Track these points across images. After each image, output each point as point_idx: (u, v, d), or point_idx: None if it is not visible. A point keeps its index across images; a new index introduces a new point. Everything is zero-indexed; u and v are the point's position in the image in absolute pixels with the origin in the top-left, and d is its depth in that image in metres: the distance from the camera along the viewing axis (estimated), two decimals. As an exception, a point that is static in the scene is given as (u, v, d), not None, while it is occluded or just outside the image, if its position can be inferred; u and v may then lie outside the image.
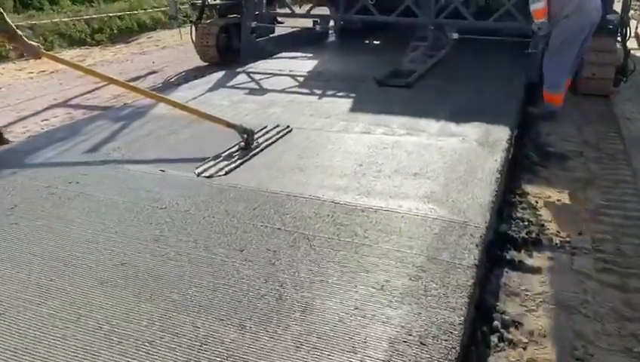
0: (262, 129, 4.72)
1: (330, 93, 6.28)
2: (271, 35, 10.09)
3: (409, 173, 3.84)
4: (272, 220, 3.14)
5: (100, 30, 12.88)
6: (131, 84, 5.17)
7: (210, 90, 6.44)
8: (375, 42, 10.34)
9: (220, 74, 7.41)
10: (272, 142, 4.44)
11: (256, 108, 5.54)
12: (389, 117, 5.18)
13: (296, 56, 8.85)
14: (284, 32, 10.26)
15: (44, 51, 4.28)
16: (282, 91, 6.39)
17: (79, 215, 3.23)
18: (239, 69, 7.73)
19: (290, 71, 7.62)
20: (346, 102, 5.79)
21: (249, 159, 4.07)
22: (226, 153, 4.17)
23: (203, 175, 3.76)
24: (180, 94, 6.15)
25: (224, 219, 3.15)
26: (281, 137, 4.59)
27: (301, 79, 7.13)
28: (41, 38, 11.24)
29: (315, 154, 4.20)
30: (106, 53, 11.75)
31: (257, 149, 4.26)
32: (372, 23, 9.07)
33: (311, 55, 8.94)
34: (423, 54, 7.68)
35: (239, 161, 4.02)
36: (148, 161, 4.07)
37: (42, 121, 6.08)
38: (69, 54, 11.02)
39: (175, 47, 11.82)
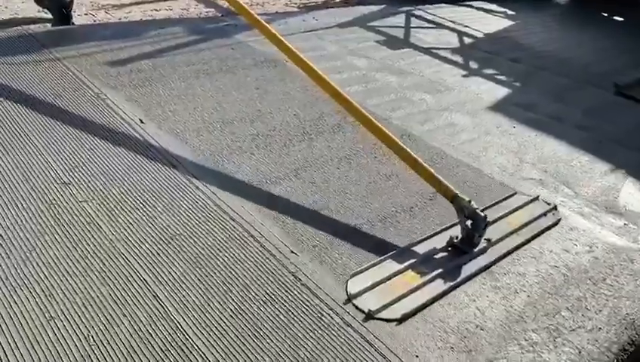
0: (501, 201, 2.58)
1: (476, 69, 4.44)
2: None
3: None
4: None
5: None
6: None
7: (340, 25, 5.05)
8: (617, 18, 7.63)
9: (372, 8, 5.92)
10: (519, 246, 2.30)
11: (359, 69, 4.05)
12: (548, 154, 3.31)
13: (494, 10, 6.85)
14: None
15: None
16: (424, 51, 4.74)
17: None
18: (404, 8, 6.14)
19: (465, 27, 5.80)
20: (484, 97, 3.95)
21: (459, 283, 2.04)
22: (415, 254, 2.13)
23: (357, 302, 1.85)
24: (293, 20, 4.90)
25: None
26: (535, 235, 2.39)
27: (468, 42, 5.31)
28: None
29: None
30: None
31: (484, 258, 2.17)
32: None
33: (513, 13, 6.86)
34: None
35: (441, 286, 1.99)
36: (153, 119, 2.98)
37: (152, 10, 5.38)
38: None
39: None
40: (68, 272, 1.79)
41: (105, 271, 1.82)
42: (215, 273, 1.89)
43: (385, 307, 1.84)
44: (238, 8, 3.02)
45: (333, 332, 1.74)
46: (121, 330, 1.63)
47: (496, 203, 2.53)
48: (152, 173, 2.36)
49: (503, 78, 4.38)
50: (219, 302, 1.78)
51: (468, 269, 2.09)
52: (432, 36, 5.26)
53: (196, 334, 1.65)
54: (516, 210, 2.50)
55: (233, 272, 1.91)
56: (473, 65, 4.61)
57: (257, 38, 3.85)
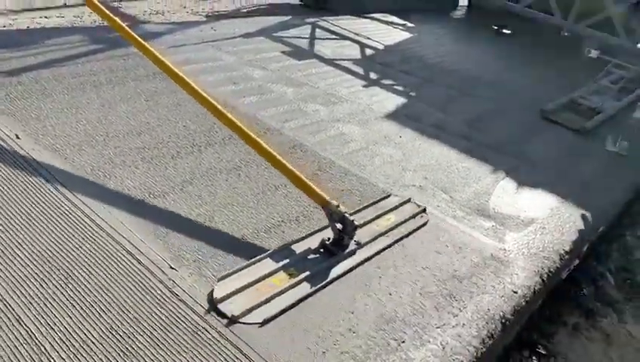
0: (375, 203, 2.71)
1: (370, 81, 4.65)
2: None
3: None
4: None
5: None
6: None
7: (243, 35, 5.09)
8: (505, 31, 8.23)
9: (278, 19, 6.02)
10: (385, 247, 2.41)
11: (255, 80, 4.11)
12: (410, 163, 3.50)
13: (395, 22, 7.19)
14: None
15: None
16: (325, 62, 4.88)
17: None
18: (310, 19, 6.31)
19: (368, 38, 6.04)
20: (375, 108, 4.15)
21: (325, 285, 2.11)
22: (288, 255, 2.20)
23: (222, 307, 1.89)
24: (191, 30, 4.88)
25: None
26: (403, 236, 2.51)
27: (368, 53, 5.53)
28: None
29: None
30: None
31: (353, 259, 2.27)
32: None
33: (412, 26, 7.23)
34: (618, 87, 5.23)
35: (306, 289, 2.06)
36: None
37: (42, 17, 5.14)
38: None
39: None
40: None
41: (-37, 298, 1.73)
42: (88, 293, 1.86)
43: (249, 311, 1.90)
44: (108, 20, 2.94)
45: (209, 347, 1.77)
46: (-22, 358, 1.56)
47: (370, 204, 2.68)
48: (25, 191, 2.27)
49: (394, 89, 4.60)
50: (89, 323, 1.75)
51: (335, 271, 2.19)
52: (335, 48, 5.42)
53: (62, 357, 1.62)
54: (388, 212, 2.65)
55: (107, 291, 1.88)
56: (369, 77, 4.82)
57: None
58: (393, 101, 4.29)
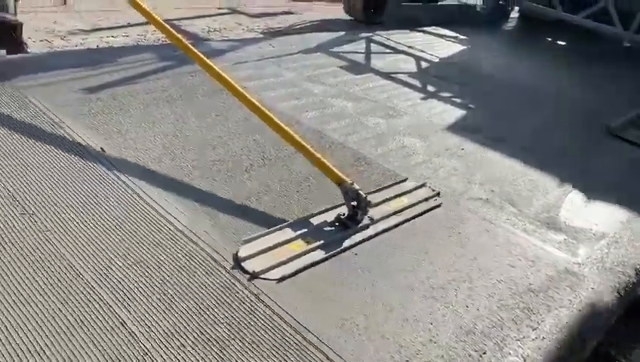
0: (390, 186, 2.95)
1: (428, 94, 4.68)
2: (428, 4, 8.46)
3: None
4: None
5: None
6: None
7: (299, 52, 5.21)
8: (560, 43, 8.13)
9: (332, 34, 6.14)
10: (397, 224, 2.61)
11: (316, 95, 4.20)
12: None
13: (447, 35, 7.21)
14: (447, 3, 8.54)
15: None
16: (381, 76, 4.95)
17: None
18: (363, 34, 6.40)
19: (422, 51, 6.09)
20: (435, 120, 4.17)
21: (338, 252, 2.33)
22: (306, 226, 2.46)
23: (245, 264, 2.14)
24: (250, 47, 5.03)
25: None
26: (415, 216, 2.71)
27: (423, 66, 5.57)
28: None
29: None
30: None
31: (365, 233, 2.48)
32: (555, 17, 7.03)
33: (464, 38, 7.22)
34: None
35: (320, 255, 2.29)
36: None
37: (108, 36, 5.42)
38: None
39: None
40: (34, 301, 1.82)
41: (71, 301, 1.85)
42: (181, 297, 1.96)
43: (268, 269, 2.13)
44: (173, 39, 3.11)
45: (298, 354, 1.83)
46: (90, 358, 1.67)
47: (386, 187, 2.90)
48: (115, 201, 2.41)
49: (452, 101, 4.62)
50: (185, 326, 1.84)
51: (348, 242, 2.40)
52: (390, 61, 5.49)
53: (163, 358, 1.71)
54: (403, 194, 2.86)
55: (199, 297, 1.98)
56: (425, 89, 4.85)
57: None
58: (452, 113, 4.31)
